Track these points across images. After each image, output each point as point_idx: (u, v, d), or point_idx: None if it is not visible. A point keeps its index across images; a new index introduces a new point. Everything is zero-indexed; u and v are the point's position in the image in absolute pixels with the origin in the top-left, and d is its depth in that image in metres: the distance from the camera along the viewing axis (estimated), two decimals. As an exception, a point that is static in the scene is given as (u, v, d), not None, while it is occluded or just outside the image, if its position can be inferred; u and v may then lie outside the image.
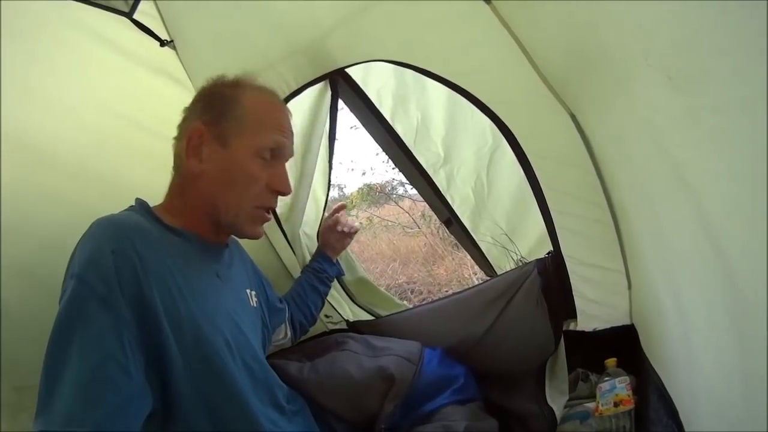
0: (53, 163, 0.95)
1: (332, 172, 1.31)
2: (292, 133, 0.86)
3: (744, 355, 0.47)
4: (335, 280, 1.30)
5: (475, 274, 2.83)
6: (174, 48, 1.16)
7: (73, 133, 0.99)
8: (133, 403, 0.61)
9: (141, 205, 0.78)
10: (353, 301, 1.40)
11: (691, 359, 0.66)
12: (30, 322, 0.79)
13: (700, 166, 0.47)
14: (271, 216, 0.84)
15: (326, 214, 1.33)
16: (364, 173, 4.93)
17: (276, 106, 0.86)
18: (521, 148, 1.00)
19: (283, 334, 1.12)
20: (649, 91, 0.52)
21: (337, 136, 1.25)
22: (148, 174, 0.85)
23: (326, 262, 1.23)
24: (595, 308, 1.05)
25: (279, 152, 0.82)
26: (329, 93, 1.16)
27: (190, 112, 0.83)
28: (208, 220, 0.81)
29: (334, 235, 1.25)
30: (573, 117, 0.93)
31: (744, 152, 0.37)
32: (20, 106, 0.90)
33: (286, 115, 0.86)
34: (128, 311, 0.62)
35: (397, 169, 4.27)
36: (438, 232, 3.76)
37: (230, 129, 0.78)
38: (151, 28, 1.08)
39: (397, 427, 0.95)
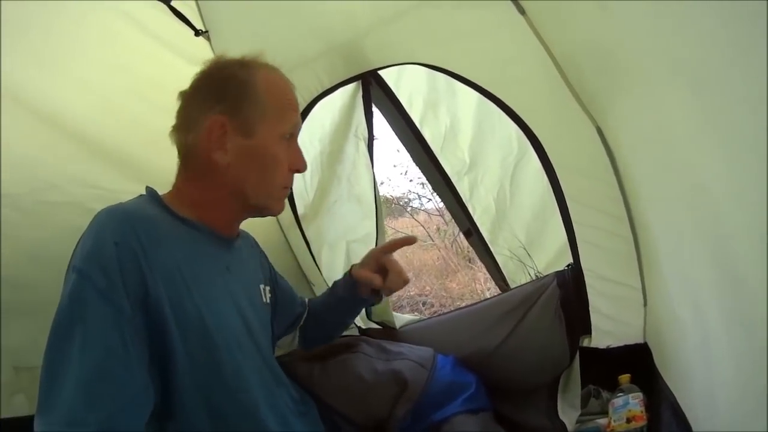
0: (76, 141, 0.94)
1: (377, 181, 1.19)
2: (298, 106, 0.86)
3: (757, 363, 0.48)
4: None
5: (488, 289, 2.80)
6: (208, 39, 1.14)
7: (98, 113, 0.98)
8: (137, 401, 0.60)
9: (151, 194, 0.76)
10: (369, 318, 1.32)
11: (709, 367, 0.65)
12: (33, 302, 0.78)
13: (714, 172, 0.48)
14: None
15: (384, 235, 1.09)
16: (382, 183, 4.96)
17: (287, 85, 0.83)
18: (548, 158, 1.01)
19: (291, 339, 1.05)
20: (669, 101, 0.53)
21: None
22: (172, 160, 0.81)
23: (356, 296, 0.98)
24: (609, 324, 1.04)
25: (296, 131, 0.82)
26: (360, 94, 1.18)
27: (195, 99, 0.78)
28: (232, 208, 0.79)
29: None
30: (599, 131, 0.94)
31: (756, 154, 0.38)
32: (41, 79, 0.88)
33: (294, 91, 0.84)
34: (130, 304, 0.61)
35: (413, 182, 4.33)
36: (452, 246, 3.76)
37: (252, 117, 0.75)
38: (187, 17, 1.07)
39: (408, 433, 0.93)
